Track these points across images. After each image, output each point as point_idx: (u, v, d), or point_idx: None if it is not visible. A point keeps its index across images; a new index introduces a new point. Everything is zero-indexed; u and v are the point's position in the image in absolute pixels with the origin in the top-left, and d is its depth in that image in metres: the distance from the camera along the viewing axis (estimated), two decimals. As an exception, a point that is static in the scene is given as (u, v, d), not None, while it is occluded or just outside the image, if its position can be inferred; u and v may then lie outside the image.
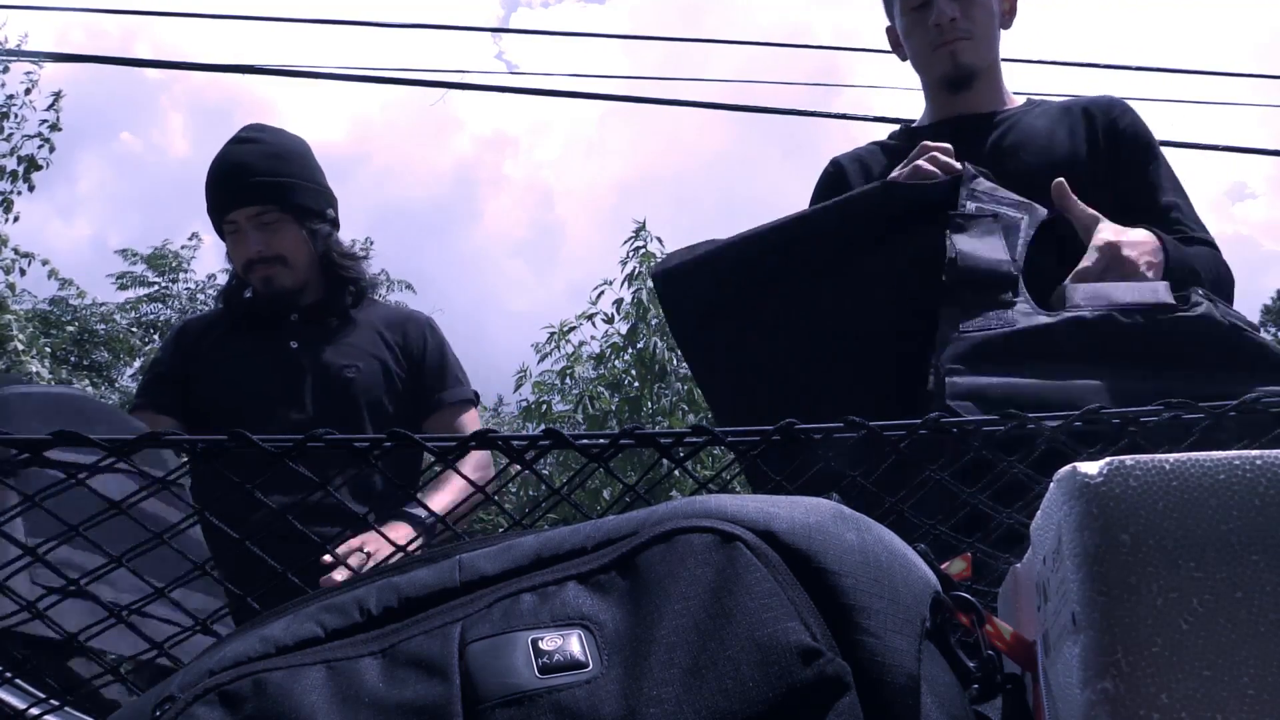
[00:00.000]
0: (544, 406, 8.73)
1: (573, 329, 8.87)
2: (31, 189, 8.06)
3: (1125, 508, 0.44)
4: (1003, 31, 1.74)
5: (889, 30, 1.78)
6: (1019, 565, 0.56)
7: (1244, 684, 0.42)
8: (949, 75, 1.69)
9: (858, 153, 1.79)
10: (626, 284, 8.72)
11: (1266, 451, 0.45)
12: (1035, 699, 0.51)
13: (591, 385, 8.62)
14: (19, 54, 7.97)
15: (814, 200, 1.79)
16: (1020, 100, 1.76)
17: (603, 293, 8.77)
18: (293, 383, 1.97)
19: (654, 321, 8.46)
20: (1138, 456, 0.46)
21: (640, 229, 8.76)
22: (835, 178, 1.76)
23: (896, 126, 1.86)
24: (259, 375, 1.99)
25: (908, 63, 1.77)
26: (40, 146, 8.17)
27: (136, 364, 10.40)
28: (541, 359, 8.85)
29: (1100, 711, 0.42)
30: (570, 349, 8.85)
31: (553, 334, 8.79)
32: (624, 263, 8.77)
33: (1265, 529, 0.44)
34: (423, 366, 2.07)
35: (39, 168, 8.08)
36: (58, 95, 8.34)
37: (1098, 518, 0.44)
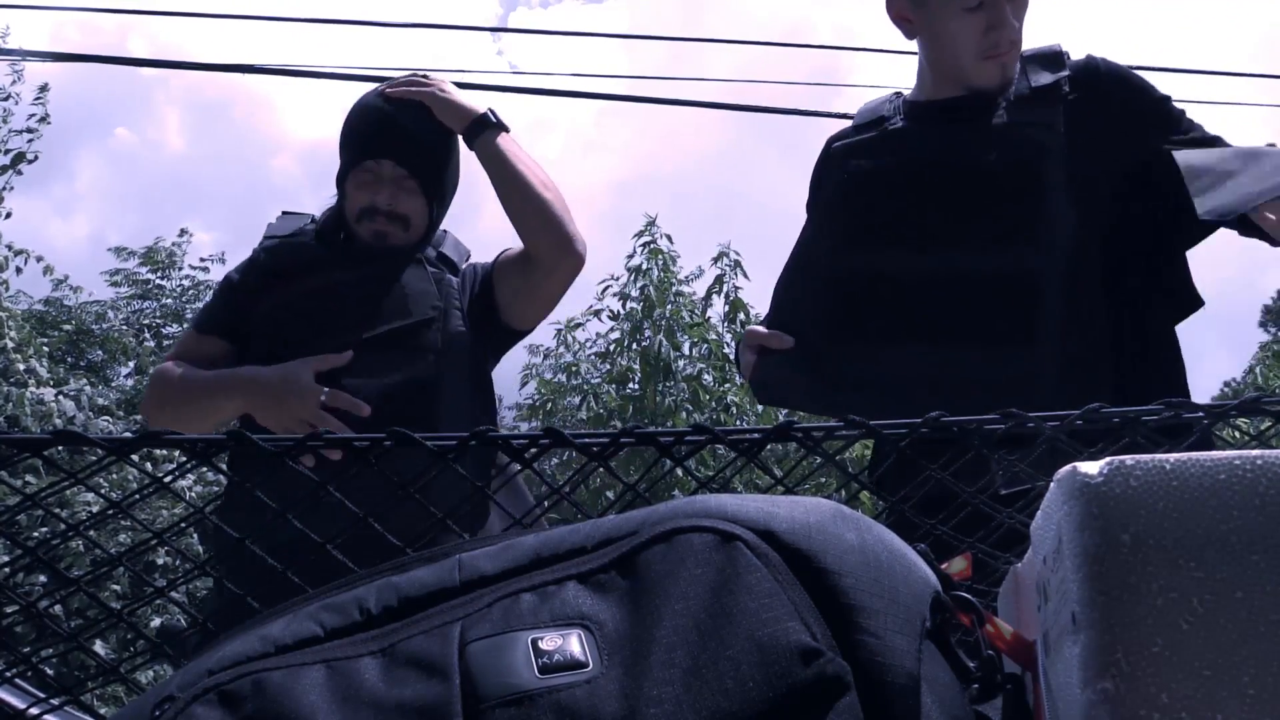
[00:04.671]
0: (549, 404, 8.75)
1: (579, 325, 8.89)
2: (19, 173, 8.08)
3: (1125, 508, 0.44)
4: None
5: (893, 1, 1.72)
6: (1019, 565, 0.56)
7: (1244, 684, 0.42)
8: (991, 88, 1.66)
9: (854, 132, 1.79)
10: (633, 279, 8.74)
11: (1266, 451, 0.45)
12: (1035, 699, 0.50)
13: (595, 384, 8.64)
14: (18, 52, 7.98)
15: (814, 182, 1.81)
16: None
17: (608, 287, 8.80)
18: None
19: (659, 319, 8.48)
20: (1138, 456, 0.46)
21: (651, 224, 8.78)
22: (831, 160, 1.79)
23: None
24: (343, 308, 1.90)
25: (914, 40, 1.72)
26: (30, 140, 8.19)
27: (132, 364, 10.38)
28: (545, 357, 8.88)
29: (1100, 711, 0.42)
30: (575, 345, 8.89)
31: (559, 330, 8.84)
32: (630, 257, 8.79)
33: (1265, 529, 0.44)
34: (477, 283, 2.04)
35: (27, 160, 8.10)
36: (44, 88, 8.35)
37: (1098, 518, 0.44)
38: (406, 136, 1.96)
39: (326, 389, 1.78)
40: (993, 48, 1.63)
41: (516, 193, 1.90)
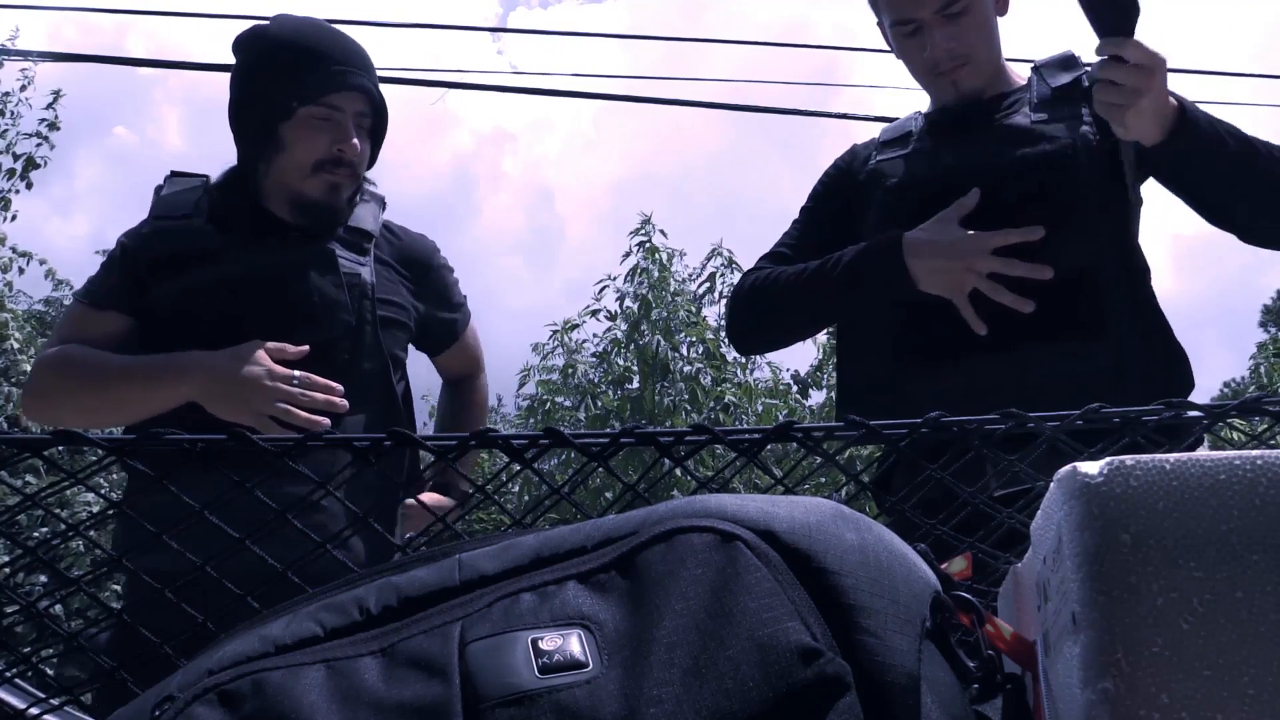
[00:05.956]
0: (547, 404, 8.75)
1: (575, 326, 8.90)
2: (29, 186, 8.07)
3: (1125, 508, 0.44)
4: (1000, 20, 1.71)
5: (880, 25, 1.75)
6: (1019, 565, 0.56)
7: (1244, 684, 0.42)
8: (952, 103, 1.68)
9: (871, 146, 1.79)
10: (630, 278, 8.74)
11: (1266, 451, 0.45)
12: (1035, 699, 0.50)
13: (594, 385, 8.64)
14: (16, 53, 7.97)
15: (826, 191, 1.80)
16: (1025, 70, 1.75)
17: (606, 288, 8.80)
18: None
19: (657, 319, 8.48)
20: (1138, 456, 0.46)
21: (646, 222, 8.78)
22: (845, 167, 1.79)
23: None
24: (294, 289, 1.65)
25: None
26: (39, 145, 8.18)
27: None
28: (544, 357, 8.87)
29: (1100, 711, 0.42)
30: (573, 345, 8.89)
31: (555, 331, 8.84)
32: (627, 256, 8.79)
33: (1265, 529, 0.44)
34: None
35: (37, 166, 8.10)
36: (57, 94, 8.33)
37: (1098, 518, 0.44)
38: (369, 65, 1.70)
39: (299, 373, 1.53)
40: (934, 66, 1.65)
41: None
